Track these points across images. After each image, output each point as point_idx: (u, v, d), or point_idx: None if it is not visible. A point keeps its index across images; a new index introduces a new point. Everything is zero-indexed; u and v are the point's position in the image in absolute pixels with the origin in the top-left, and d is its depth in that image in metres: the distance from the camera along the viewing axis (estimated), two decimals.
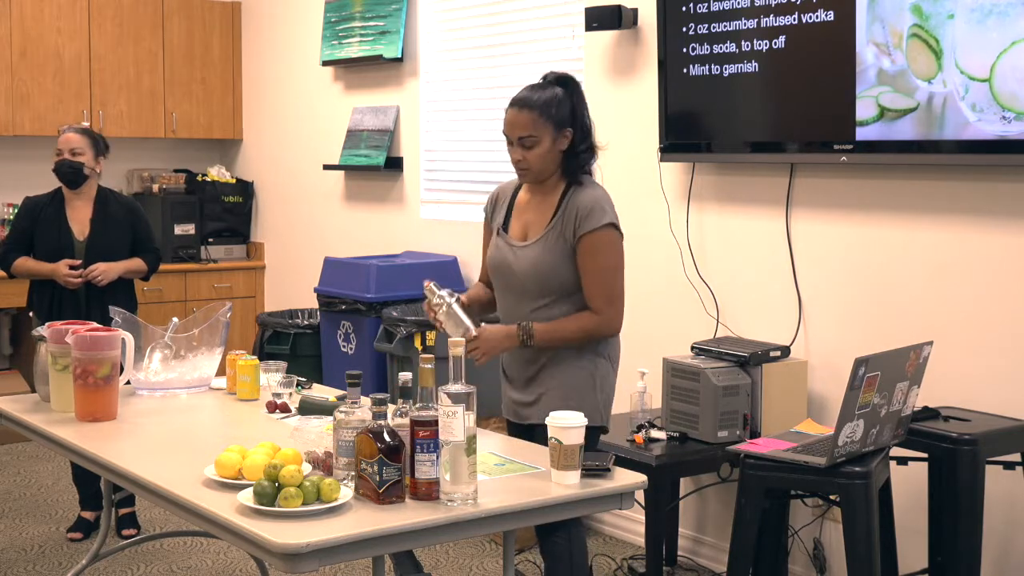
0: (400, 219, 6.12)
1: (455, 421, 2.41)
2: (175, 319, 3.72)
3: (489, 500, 2.48)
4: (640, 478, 2.71)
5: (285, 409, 3.33)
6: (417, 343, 5.02)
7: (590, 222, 3.15)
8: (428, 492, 2.44)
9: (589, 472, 2.65)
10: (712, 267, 4.43)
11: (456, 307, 3.14)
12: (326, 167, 6.47)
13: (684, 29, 4.32)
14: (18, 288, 5.31)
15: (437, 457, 2.44)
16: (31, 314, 4.77)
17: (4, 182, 6.76)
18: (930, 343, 3.21)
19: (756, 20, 4.06)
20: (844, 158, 3.84)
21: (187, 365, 3.64)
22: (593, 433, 3.12)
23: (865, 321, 3.92)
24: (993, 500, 3.43)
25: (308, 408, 3.21)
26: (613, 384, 3.31)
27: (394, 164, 6.07)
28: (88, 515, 4.79)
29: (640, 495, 3.53)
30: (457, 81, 5.76)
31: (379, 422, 2.46)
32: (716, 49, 4.21)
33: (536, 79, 3.29)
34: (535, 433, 3.16)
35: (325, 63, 6.48)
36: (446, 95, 5.84)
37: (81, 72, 6.76)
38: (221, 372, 3.68)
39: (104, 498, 3.76)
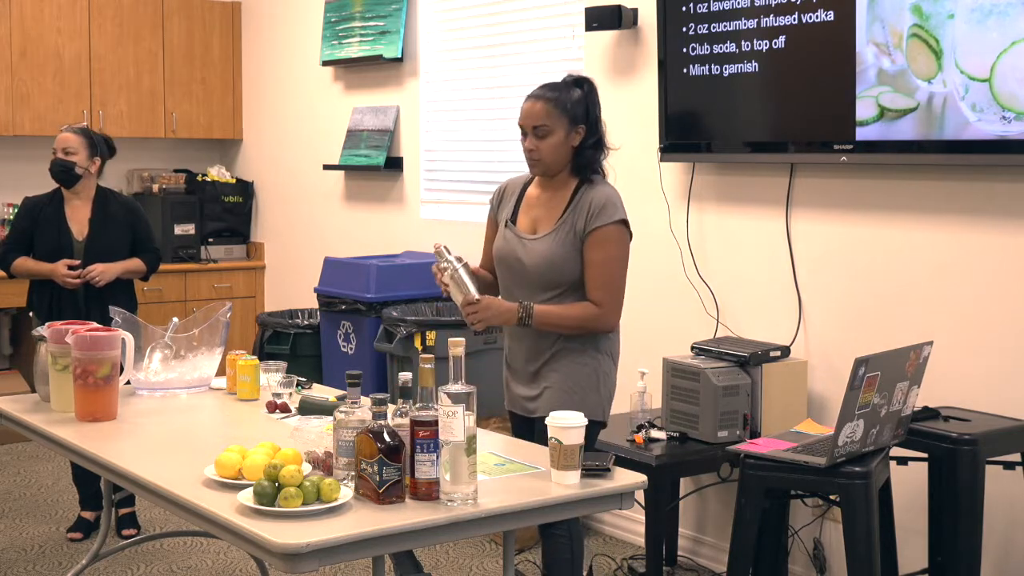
0: (400, 219, 6.11)
1: (455, 421, 2.42)
2: (175, 319, 3.72)
3: (489, 500, 2.48)
4: (640, 478, 2.71)
5: (285, 409, 3.33)
6: (417, 343, 5.01)
7: (602, 217, 3.21)
8: (428, 492, 2.44)
9: (589, 472, 2.65)
10: (712, 267, 4.43)
11: (463, 272, 3.18)
12: (326, 167, 6.47)
13: (684, 29, 4.32)
14: (18, 288, 5.31)
15: (437, 457, 2.44)
16: (31, 314, 4.76)
17: (4, 182, 6.76)
18: (930, 343, 3.21)
19: (756, 20, 4.06)
20: (844, 158, 3.84)
21: (187, 365, 3.64)
22: (593, 428, 3.15)
23: (865, 321, 3.92)
24: (993, 500, 3.43)
25: (308, 408, 3.21)
26: (614, 381, 3.36)
27: (394, 164, 6.07)
28: (88, 515, 4.78)
29: (640, 495, 3.53)
30: (457, 81, 5.76)
31: (379, 422, 2.46)
32: (716, 49, 4.21)
33: (536, 79, 3.32)
34: (540, 426, 3.17)
35: (325, 63, 6.48)
36: (446, 95, 5.83)
37: (81, 72, 6.76)
38: (221, 372, 3.68)
39: (104, 498, 3.76)
